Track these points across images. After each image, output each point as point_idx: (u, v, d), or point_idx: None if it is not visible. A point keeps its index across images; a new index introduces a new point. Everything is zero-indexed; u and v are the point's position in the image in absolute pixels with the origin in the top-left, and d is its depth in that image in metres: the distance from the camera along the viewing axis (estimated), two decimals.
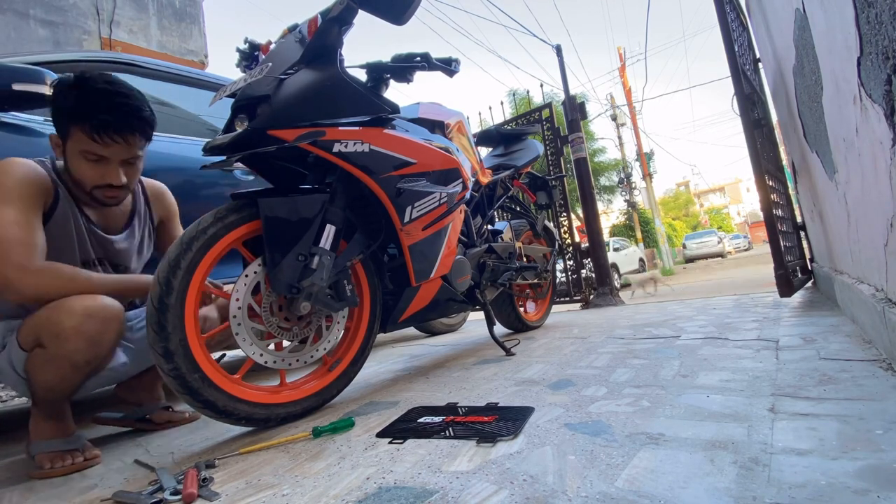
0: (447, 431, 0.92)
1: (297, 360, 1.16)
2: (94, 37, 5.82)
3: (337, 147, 1.13)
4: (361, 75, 1.30)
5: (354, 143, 1.17)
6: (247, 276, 1.08)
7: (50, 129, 1.44)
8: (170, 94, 2.00)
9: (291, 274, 1.08)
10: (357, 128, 1.19)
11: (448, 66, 1.36)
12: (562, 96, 3.96)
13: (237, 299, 1.05)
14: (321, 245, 1.13)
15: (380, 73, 1.31)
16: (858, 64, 0.80)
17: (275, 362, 1.11)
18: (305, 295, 1.09)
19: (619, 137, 16.93)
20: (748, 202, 57.73)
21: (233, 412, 1.03)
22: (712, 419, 0.82)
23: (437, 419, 1.01)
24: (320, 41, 1.17)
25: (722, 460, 0.67)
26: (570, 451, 0.76)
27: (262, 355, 1.09)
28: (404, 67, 1.30)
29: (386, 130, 1.27)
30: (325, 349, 1.21)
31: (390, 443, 0.91)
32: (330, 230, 1.15)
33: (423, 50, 1.35)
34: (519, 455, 0.77)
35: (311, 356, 1.18)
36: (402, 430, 0.97)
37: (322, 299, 1.12)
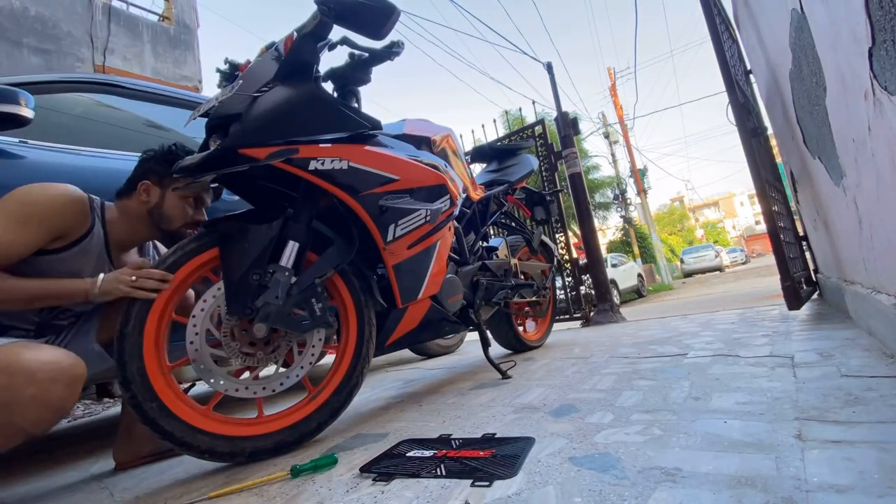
0: (438, 469, 0.82)
1: (265, 389, 1.07)
2: (87, 64, 5.85)
3: (313, 165, 1.07)
4: (331, 90, 1.26)
5: (332, 161, 1.10)
6: (205, 300, 1.02)
7: (22, 150, 1.39)
8: (159, 116, 1.96)
9: (244, 294, 1.01)
10: (334, 144, 1.13)
11: (389, 50, 1.30)
12: (554, 114, 3.95)
13: (194, 325, 0.99)
14: (281, 262, 1.06)
15: (339, 83, 1.27)
16: (870, 55, 0.74)
17: (237, 390, 1.03)
18: (261, 316, 1.01)
19: (613, 155, 17.08)
20: (742, 216, 58.18)
21: (192, 443, 0.96)
22: (734, 449, 0.74)
23: (427, 453, 0.91)
24: (295, 57, 1.12)
25: (751, 501, 0.58)
26: (575, 492, 0.67)
27: (222, 383, 1.01)
28: (351, 66, 1.24)
29: (367, 147, 1.21)
30: (297, 375, 1.12)
31: (374, 483, 0.81)
32: (293, 247, 1.08)
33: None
34: (518, 497, 0.68)
35: (281, 384, 1.09)
36: (389, 466, 0.87)
37: (282, 320, 1.03)
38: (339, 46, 1.19)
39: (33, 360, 0.84)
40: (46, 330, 1.15)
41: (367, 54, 1.25)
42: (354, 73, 1.25)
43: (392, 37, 1.17)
